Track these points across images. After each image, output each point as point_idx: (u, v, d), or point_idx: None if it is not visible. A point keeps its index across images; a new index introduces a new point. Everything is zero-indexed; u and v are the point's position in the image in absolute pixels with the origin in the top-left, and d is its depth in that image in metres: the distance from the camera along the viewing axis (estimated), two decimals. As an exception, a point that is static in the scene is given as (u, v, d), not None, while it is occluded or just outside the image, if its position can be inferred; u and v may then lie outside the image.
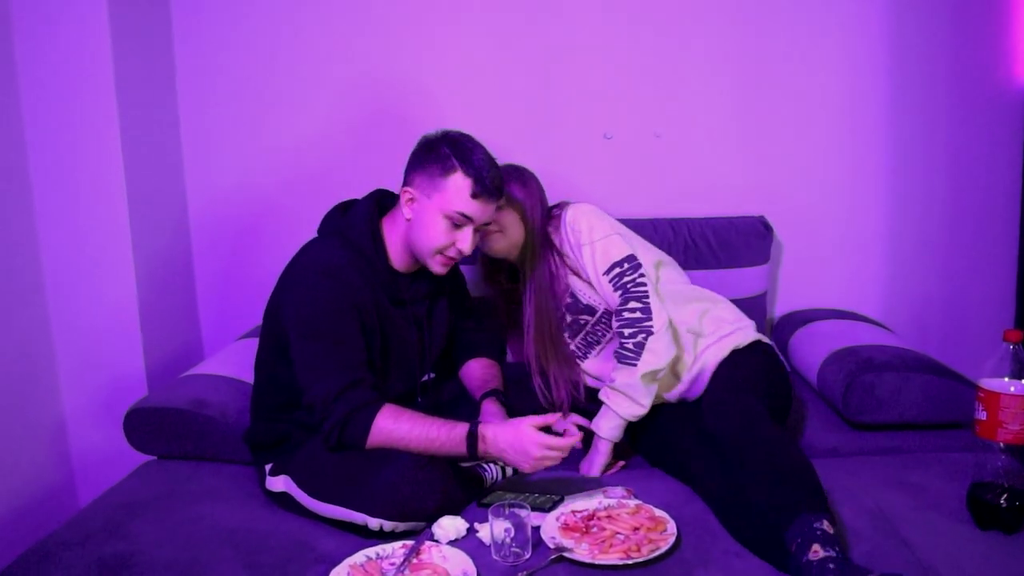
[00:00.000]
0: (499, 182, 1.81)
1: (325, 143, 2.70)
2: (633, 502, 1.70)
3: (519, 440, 1.67)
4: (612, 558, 1.50)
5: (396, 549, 1.55)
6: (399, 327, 1.84)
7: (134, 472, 1.99)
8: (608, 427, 1.95)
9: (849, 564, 1.39)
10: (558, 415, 1.76)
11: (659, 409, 2.01)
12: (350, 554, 1.54)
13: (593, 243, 1.98)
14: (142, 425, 2.02)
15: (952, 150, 2.63)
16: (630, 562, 1.48)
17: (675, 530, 1.58)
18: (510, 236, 2.01)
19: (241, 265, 2.77)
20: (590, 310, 2.06)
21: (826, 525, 1.44)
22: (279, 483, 1.77)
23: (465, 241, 1.80)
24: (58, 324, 2.42)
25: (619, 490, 1.77)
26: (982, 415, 1.59)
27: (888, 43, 2.61)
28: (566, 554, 1.52)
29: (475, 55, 2.65)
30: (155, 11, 2.56)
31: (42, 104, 2.31)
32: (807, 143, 2.67)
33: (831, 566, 1.37)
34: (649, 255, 2.11)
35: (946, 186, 2.65)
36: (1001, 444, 1.57)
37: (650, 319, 1.91)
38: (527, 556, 1.53)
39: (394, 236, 1.84)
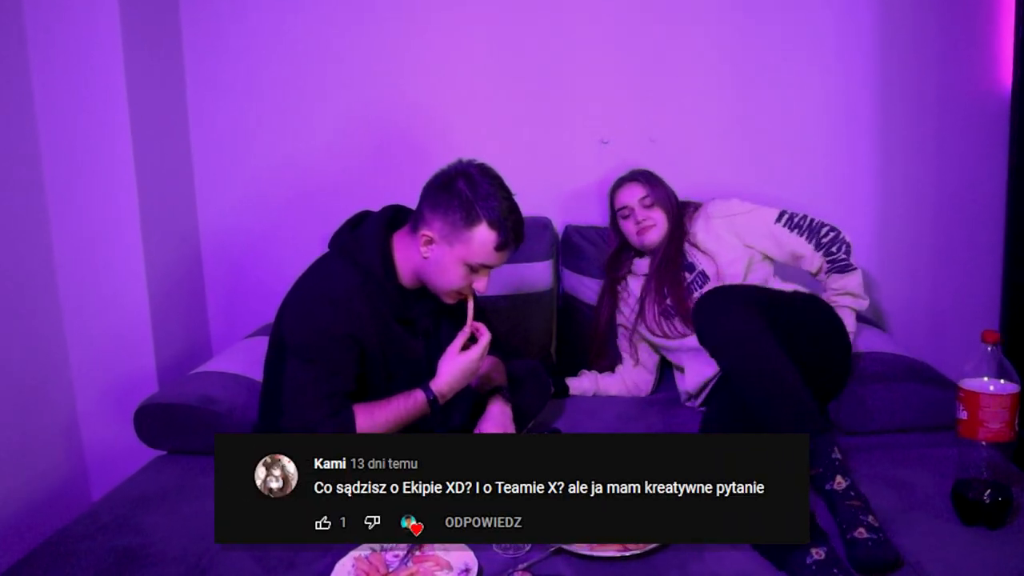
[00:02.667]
0: (521, 228, 1.78)
1: (333, 153, 2.73)
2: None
3: (460, 369, 1.76)
4: (610, 550, 1.50)
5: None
6: (405, 344, 1.84)
7: (145, 467, 2.00)
8: (853, 323, 2.20)
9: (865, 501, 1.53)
10: (468, 328, 1.80)
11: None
12: (355, 546, 1.53)
13: (748, 212, 2.27)
14: (153, 421, 2.03)
15: (939, 152, 2.65)
16: (627, 554, 1.49)
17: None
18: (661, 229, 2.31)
19: (248, 267, 2.79)
20: (691, 267, 2.28)
21: (837, 452, 1.58)
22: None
23: (482, 283, 1.80)
24: (71, 323, 2.43)
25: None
26: (963, 415, 1.62)
27: (876, 48, 2.63)
28: (565, 546, 1.52)
29: (475, 66, 2.68)
30: (166, 20, 2.59)
31: (55, 110, 2.34)
32: (797, 152, 2.69)
33: (855, 499, 1.52)
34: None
35: (933, 189, 2.67)
36: (983, 442, 1.59)
37: (841, 233, 2.21)
38: (527, 549, 1.53)
39: (405, 258, 1.81)
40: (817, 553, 1.43)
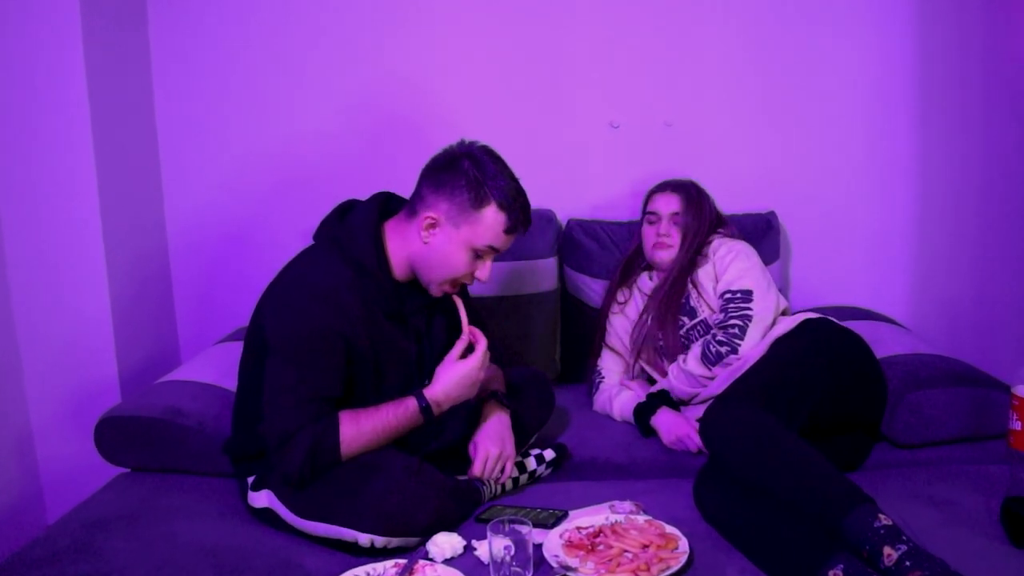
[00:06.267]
0: (529, 211, 1.80)
1: (316, 137, 2.72)
2: (642, 517, 1.69)
3: (459, 378, 1.77)
4: (622, 574, 1.49)
5: (388, 568, 1.55)
6: (396, 343, 1.83)
7: (106, 486, 1.98)
8: (674, 385, 2.18)
9: (925, 554, 1.43)
10: (465, 335, 1.81)
11: None
12: (339, 572, 1.53)
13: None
14: (114, 435, 2.01)
15: (983, 146, 2.65)
16: (640, 580, 1.48)
17: (687, 548, 1.58)
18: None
19: (220, 265, 2.79)
20: (692, 312, 2.27)
21: (881, 519, 1.48)
22: (262, 498, 1.76)
23: (485, 270, 1.81)
24: (23, 326, 2.41)
25: (627, 505, 1.77)
26: (1016, 425, 1.60)
27: (917, 33, 2.63)
28: (570, 573, 1.51)
29: (476, 40, 2.68)
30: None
31: (5, 89, 2.31)
32: (828, 136, 2.69)
33: (913, 568, 1.40)
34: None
35: (976, 182, 2.67)
36: (1037, 456, 1.58)
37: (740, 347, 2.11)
38: (529, 574, 1.52)
39: (397, 248, 1.81)
40: (834, 574, 1.43)
